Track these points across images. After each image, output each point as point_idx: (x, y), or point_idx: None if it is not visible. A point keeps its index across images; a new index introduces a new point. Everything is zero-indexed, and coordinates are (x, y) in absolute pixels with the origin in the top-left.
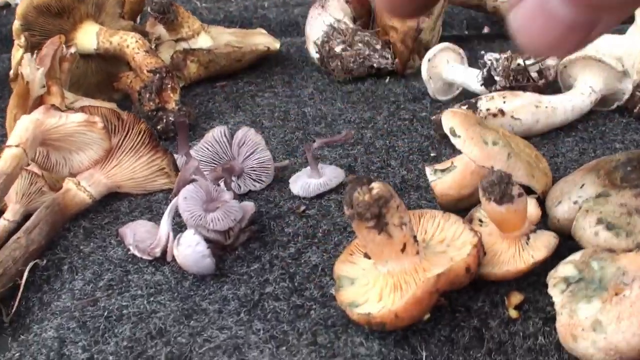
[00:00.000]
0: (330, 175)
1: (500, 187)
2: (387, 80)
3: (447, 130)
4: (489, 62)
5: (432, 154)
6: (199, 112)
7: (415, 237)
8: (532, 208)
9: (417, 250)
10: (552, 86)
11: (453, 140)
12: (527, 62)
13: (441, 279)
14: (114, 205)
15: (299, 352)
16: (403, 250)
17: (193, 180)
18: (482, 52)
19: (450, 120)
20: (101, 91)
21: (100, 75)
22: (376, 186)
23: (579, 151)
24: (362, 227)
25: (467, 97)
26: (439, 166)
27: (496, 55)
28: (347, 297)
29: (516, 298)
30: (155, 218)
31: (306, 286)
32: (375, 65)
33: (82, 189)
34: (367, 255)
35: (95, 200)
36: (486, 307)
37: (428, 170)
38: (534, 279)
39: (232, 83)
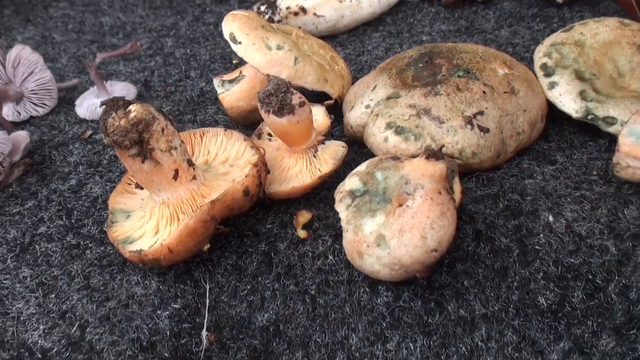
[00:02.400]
0: (120, 93)
1: (278, 97)
2: None
3: (226, 36)
4: None
5: (234, 62)
6: None
7: (190, 160)
8: (321, 116)
9: (193, 175)
10: None
11: (234, 47)
12: None
13: (216, 206)
14: None
15: (69, 298)
16: (175, 177)
17: None
18: None
19: (230, 24)
20: None
21: None
22: (134, 109)
23: (385, 47)
24: (124, 156)
25: None
26: (227, 77)
27: None
28: (121, 232)
29: (304, 217)
30: None
31: (84, 222)
32: None
33: None
34: (138, 186)
35: None
36: (275, 229)
37: (216, 82)
38: (324, 194)
39: None
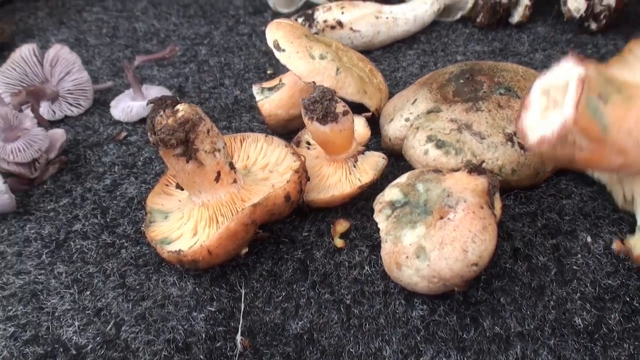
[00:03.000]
0: (155, 96)
1: (323, 105)
2: None
3: (270, 44)
4: None
5: (269, 72)
6: (17, 29)
7: (231, 163)
8: (361, 127)
9: (234, 179)
10: None
11: (277, 54)
12: None
13: (257, 210)
14: None
15: (104, 296)
16: (217, 179)
17: None
18: None
19: (274, 32)
20: None
21: None
22: (182, 108)
23: (420, 65)
24: (169, 155)
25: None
26: (266, 84)
27: None
28: (158, 233)
29: (342, 226)
30: None
31: (119, 222)
32: None
33: None
34: (179, 186)
35: None
36: (312, 237)
37: (255, 89)
38: (362, 204)
39: None
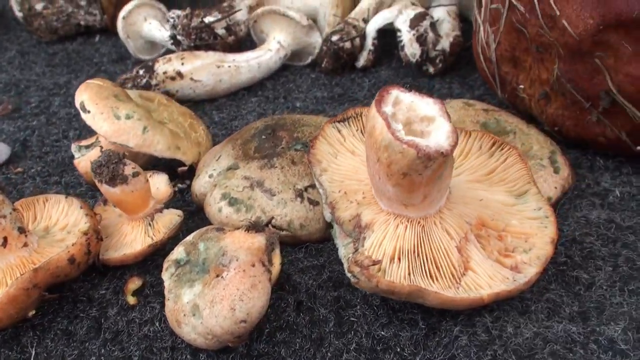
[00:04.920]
0: None
1: (109, 168)
2: (97, 39)
3: (77, 105)
4: (171, 20)
5: None
6: None
7: (21, 228)
8: (163, 185)
9: (24, 243)
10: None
11: (83, 115)
12: (212, 19)
13: (39, 273)
14: None
15: None
16: (4, 244)
17: None
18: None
19: (82, 94)
20: None
21: None
22: None
23: (258, 113)
24: None
25: None
26: (84, 142)
27: (179, 12)
28: None
29: (134, 284)
30: None
31: None
32: (82, 23)
33: None
34: None
35: None
36: (108, 294)
37: (73, 147)
38: (159, 262)
39: None
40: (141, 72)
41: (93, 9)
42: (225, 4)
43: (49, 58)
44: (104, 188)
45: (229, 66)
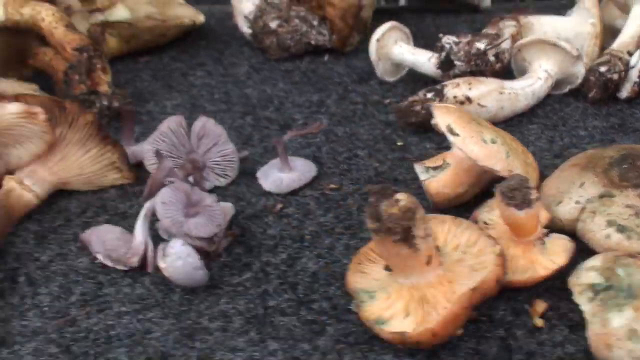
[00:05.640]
0: (302, 169)
1: (521, 192)
2: (325, 58)
3: (443, 128)
4: (447, 46)
5: (399, 143)
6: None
7: (437, 246)
8: (542, 211)
9: (440, 261)
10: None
11: (451, 138)
12: (487, 47)
13: (476, 293)
14: (61, 204)
15: None
16: (429, 262)
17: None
18: (440, 35)
19: (446, 117)
20: (10, 68)
21: (7, 51)
22: (402, 197)
23: (546, 139)
24: (387, 241)
25: (413, 78)
26: (429, 163)
27: (454, 39)
28: (371, 313)
29: (540, 306)
30: (114, 219)
31: (312, 298)
32: (312, 42)
33: (26, 188)
34: (388, 268)
35: (40, 200)
36: (509, 316)
37: (419, 168)
38: (549, 284)
39: (155, 59)
40: (429, 95)
41: (322, 28)
42: (493, 32)
43: (286, 75)
44: (510, 211)
45: (509, 93)
